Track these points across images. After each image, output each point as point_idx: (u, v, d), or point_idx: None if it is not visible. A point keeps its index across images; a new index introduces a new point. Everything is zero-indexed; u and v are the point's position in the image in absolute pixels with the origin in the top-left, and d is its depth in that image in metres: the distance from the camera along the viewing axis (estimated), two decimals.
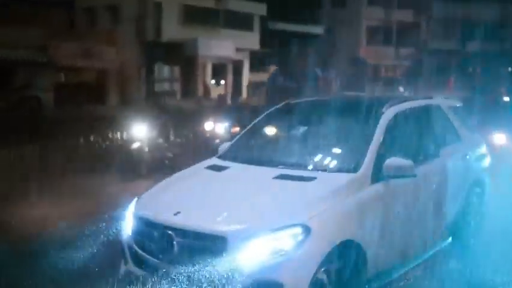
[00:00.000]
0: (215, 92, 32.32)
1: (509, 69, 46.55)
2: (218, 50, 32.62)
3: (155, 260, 4.73)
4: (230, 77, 34.76)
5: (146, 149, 11.97)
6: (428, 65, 49.13)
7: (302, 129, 6.58)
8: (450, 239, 6.61)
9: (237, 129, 11.63)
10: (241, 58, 35.43)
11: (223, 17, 34.39)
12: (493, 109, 13.51)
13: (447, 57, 49.91)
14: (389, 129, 5.80)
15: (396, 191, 5.38)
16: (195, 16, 32.26)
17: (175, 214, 4.78)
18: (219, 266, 4.39)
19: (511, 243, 6.46)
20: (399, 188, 5.39)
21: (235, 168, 5.85)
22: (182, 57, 31.76)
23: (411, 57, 47.95)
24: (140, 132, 12.24)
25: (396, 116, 6.04)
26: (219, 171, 5.83)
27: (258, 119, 6.92)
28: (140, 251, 4.91)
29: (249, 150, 6.48)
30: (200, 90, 32.09)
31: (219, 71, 34.16)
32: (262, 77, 35.87)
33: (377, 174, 5.34)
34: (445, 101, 7.74)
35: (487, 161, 7.51)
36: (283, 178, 5.29)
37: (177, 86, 32.83)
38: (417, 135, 6.34)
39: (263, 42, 36.29)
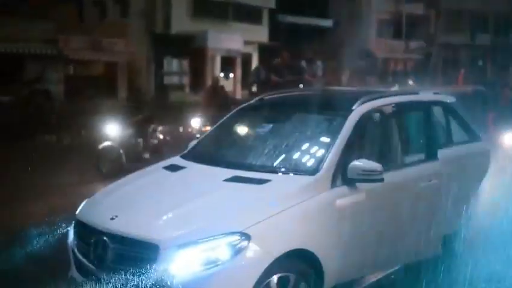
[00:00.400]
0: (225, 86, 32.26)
1: None
2: (227, 43, 32.56)
3: (92, 266, 4.54)
4: (239, 70, 34.69)
5: (120, 150, 11.29)
6: (438, 59, 48.94)
7: (267, 127, 6.19)
8: (440, 249, 6.17)
9: (208, 127, 11.13)
10: (250, 51, 35.35)
11: (232, 9, 34.29)
12: (506, 105, 13.06)
13: (457, 50, 49.66)
14: (359, 128, 5.41)
15: (361, 196, 4.97)
16: (204, 9, 32.19)
17: (111, 218, 4.57)
18: (150, 276, 4.12)
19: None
20: (366, 193, 4.99)
21: (191, 169, 5.58)
22: (192, 50, 31.72)
23: (421, 50, 47.69)
24: (111, 130, 11.58)
25: (368, 114, 5.60)
26: (174, 171, 5.56)
27: (227, 116, 6.62)
28: (80, 256, 4.74)
29: (210, 150, 6.23)
30: (209, 84, 32.08)
31: (228, 64, 34.10)
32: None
33: (341, 178, 4.98)
34: (435, 96, 7.15)
35: (484, 168, 6.83)
36: (235, 181, 4.98)
37: (186, 80, 32.82)
38: (393, 136, 5.91)
39: (272, 35, 36.18)
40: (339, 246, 4.82)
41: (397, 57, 47.43)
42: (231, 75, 34.35)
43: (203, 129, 12.09)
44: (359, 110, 5.55)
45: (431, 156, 6.10)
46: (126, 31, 29.27)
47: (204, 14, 32.08)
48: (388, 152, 5.74)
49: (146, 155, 11.72)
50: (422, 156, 6.07)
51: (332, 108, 5.80)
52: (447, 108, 6.88)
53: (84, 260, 4.65)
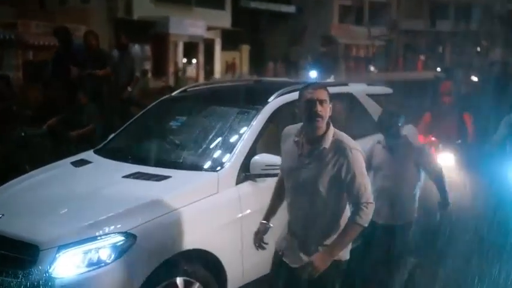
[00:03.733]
0: (185, 70, 32.10)
1: (478, 49, 46.88)
2: (190, 28, 32.31)
3: None
4: (201, 56, 34.53)
5: None
6: (399, 45, 49.41)
7: (181, 120, 6.00)
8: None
9: None
10: (213, 37, 35.19)
11: None
12: (468, 95, 12.08)
13: (418, 36, 50.20)
14: (272, 122, 5.25)
15: (265, 192, 4.34)
16: None
17: None
18: (30, 279, 3.89)
19: None
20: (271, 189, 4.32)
21: (96, 164, 5.36)
22: (154, 35, 31.44)
23: (382, 36, 48.10)
24: None
25: (283, 107, 5.42)
26: (77, 167, 5.35)
27: (147, 108, 6.41)
28: None
29: (122, 144, 5.98)
30: (171, 70, 31.85)
31: (190, 50, 33.90)
32: (235, 55, 35.77)
33: (247, 174, 4.82)
34: (367, 88, 7.02)
35: None
36: (135, 177, 4.78)
37: (148, 65, 32.54)
38: None
39: (235, 21, 36.06)
40: (244, 246, 4.62)
41: (359, 43, 47.74)
42: (194, 61, 34.18)
43: None
44: (273, 103, 5.43)
45: None
46: (87, 16, 28.84)
47: None
48: None
49: None
50: None
51: (248, 100, 5.59)
52: (382, 100, 6.82)
53: None
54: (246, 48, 37.25)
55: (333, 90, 5.98)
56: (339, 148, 3.71)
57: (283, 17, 39.06)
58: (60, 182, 5.16)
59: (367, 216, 3.73)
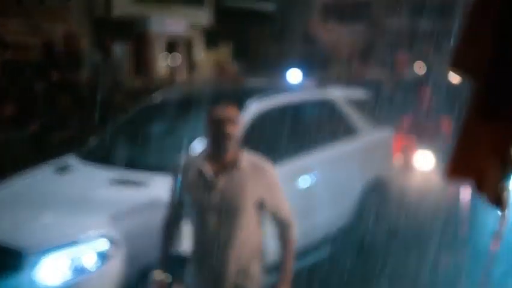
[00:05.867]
0: (166, 70, 31.91)
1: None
2: (170, 27, 32.13)
3: None
4: (182, 54, 34.35)
5: None
6: (381, 43, 49.49)
7: (161, 124, 6.12)
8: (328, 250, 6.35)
9: None
10: (193, 35, 35.00)
11: None
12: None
13: (398, 35, 50.29)
14: (251, 127, 5.37)
15: None
16: None
17: None
18: (14, 285, 3.93)
19: None
20: None
21: (77, 169, 5.40)
22: (133, 34, 31.21)
23: (364, 35, 48.14)
24: None
25: (259, 113, 5.55)
26: (61, 171, 5.39)
27: (129, 113, 6.51)
28: None
29: (104, 147, 6.04)
30: (151, 68, 31.65)
31: (171, 49, 33.71)
32: (216, 54, 35.58)
33: None
34: (344, 93, 7.11)
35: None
36: (118, 182, 4.83)
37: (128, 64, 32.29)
38: (287, 138, 5.83)
39: (216, 19, 35.91)
40: None
41: (340, 41, 47.75)
42: (174, 59, 33.97)
43: None
44: (252, 108, 5.53)
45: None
46: (65, 15, 28.55)
47: None
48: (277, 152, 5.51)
49: None
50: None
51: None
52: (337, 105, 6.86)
53: None
54: (227, 47, 37.10)
55: (302, 97, 6.40)
56: (254, 169, 3.60)
57: (265, 16, 38.90)
58: (43, 187, 5.16)
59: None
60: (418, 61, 23.21)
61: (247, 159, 3.63)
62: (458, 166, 1.10)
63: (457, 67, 1.13)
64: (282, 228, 3.71)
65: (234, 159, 3.56)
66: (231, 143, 3.53)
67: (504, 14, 1.06)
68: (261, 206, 3.61)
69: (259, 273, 3.75)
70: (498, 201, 1.17)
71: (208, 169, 3.59)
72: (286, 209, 3.69)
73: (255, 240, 3.66)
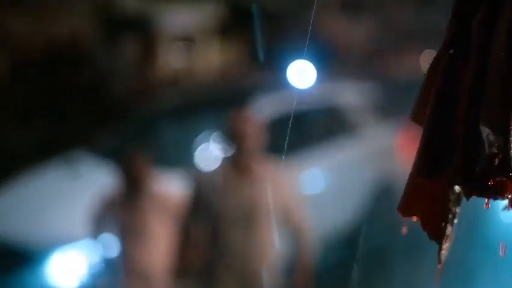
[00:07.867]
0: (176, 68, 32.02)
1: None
2: (180, 24, 32.19)
3: None
4: (192, 52, 34.43)
5: None
6: (393, 41, 49.61)
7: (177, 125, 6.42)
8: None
9: None
10: (204, 33, 35.09)
11: None
12: None
13: (411, 32, 50.37)
14: None
15: None
16: None
17: None
18: (27, 283, 3.95)
19: None
20: None
21: (89, 165, 5.52)
22: (142, 31, 31.38)
23: (376, 32, 48.28)
24: None
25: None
26: (71, 169, 5.40)
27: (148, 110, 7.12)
28: None
29: (119, 144, 6.04)
30: (159, 66, 31.78)
31: (181, 47, 33.82)
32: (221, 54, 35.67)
33: None
34: (352, 93, 7.18)
35: None
36: None
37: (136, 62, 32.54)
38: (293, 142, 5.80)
39: (228, 17, 35.97)
40: None
41: (353, 38, 47.87)
42: (179, 59, 34.07)
43: None
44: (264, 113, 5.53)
45: None
46: (72, 12, 28.75)
47: None
48: None
49: None
50: None
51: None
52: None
53: None
54: (233, 46, 37.13)
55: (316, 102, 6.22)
56: (271, 177, 3.64)
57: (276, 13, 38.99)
58: (54, 185, 5.17)
59: None
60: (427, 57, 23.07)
61: (265, 167, 3.68)
62: (405, 207, 1.18)
63: (415, 121, 1.21)
64: (297, 236, 3.77)
65: (251, 167, 3.63)
66: (250, 150, 3.61)
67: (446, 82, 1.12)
68: (277, 214, 3.61)
69: (275, 278, 3.81)
70: (440, 238, 1.23)
71: (225, 176, 3.68)
72: (302, 217, 3.77)
73: (269, 247, 3.72)
